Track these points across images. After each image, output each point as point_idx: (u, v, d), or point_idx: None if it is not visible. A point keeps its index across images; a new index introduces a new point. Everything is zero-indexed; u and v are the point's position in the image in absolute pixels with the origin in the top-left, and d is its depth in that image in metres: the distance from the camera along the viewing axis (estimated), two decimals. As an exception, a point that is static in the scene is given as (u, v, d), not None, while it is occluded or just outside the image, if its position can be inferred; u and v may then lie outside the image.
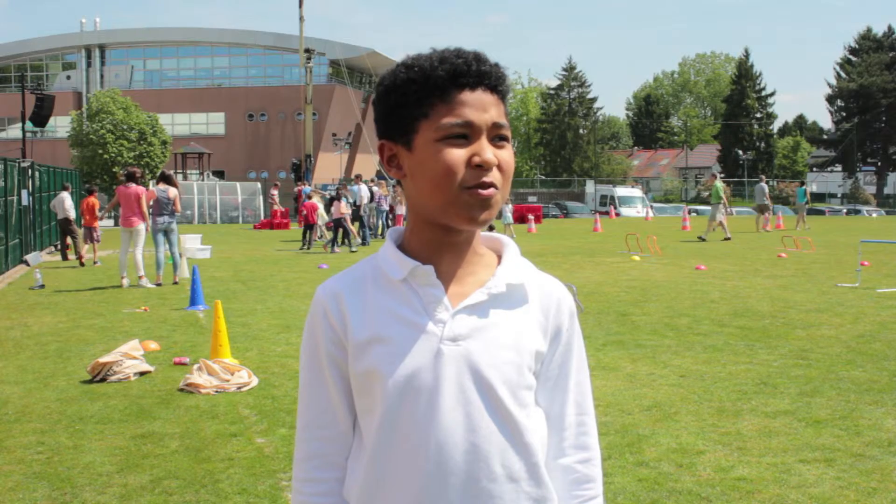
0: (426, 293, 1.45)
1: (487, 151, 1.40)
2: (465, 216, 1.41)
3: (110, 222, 32.12)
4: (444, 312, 1.44)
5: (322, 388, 1.50)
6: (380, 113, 1.49)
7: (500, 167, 1.43)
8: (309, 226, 23.51)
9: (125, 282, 14.00)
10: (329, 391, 1.50)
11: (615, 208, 48.99)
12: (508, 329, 1.46)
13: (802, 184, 35.43)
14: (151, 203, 14.32)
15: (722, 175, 46.04)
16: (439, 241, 1.47)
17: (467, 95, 1.42)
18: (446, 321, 1.44)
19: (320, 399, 1.51)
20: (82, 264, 18.07)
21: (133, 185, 14.26)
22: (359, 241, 23.94)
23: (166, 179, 14.74)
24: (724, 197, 24.71)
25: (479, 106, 1.42)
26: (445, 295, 1.45)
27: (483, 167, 1.40)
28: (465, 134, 1.41)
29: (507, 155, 1.44)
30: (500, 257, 1.53)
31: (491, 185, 1.40)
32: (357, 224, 24.48)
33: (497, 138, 1.43)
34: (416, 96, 1.43)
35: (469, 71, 1.42)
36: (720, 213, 24.57)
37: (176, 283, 14.24)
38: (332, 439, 1.51)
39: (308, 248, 22.92)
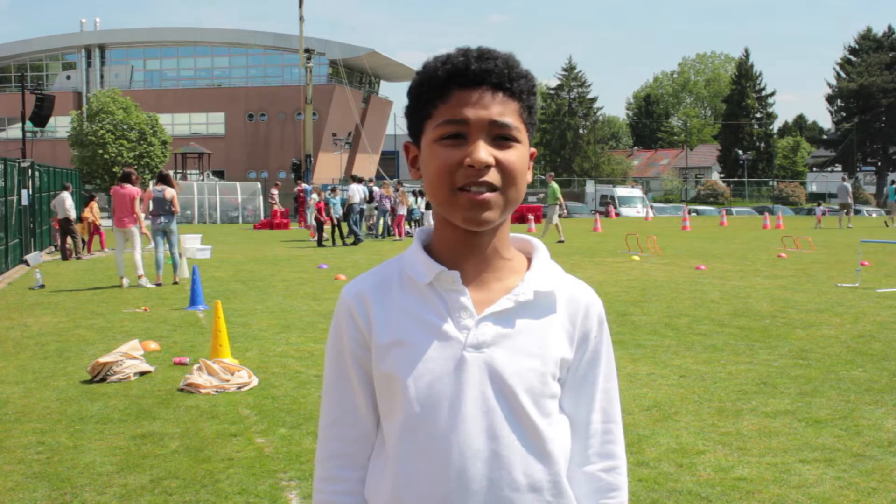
0: (451, 298, 1.44)
1: (480, 151, 1.37)
2: (460, 217, 1.40)
3: (108, 222, 32.08)
4: (468, 319, 1.42)
5: (346, 389, 1.49)
6: (405, 115, 1.50)
7: (501, 168, 1.39)
8: (321, 224, 23.96)
9: (125, 281, 14.00)
10: (353, 392, 1.49)
11: (615, 208, 48.96)
12: (534, 337, 1.44)
13: (893, 182, 39.29)
14: (151, 204, 14.29)
15: (722, 175, 46.15)
16: (462, 243, 1.45)
17: (465, 94, 1.39)
18: (470, 328, 1.42)
19: (344, 399, 1.50)
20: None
21: (128, 186, 14.24)
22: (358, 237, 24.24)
23: (164, 179, 14.69)
24: (560, 198, 24.33)
25: (479, 104, 1.39)
26: (471, 301, 1.44)
27: (474, 167, 1.37)
28: (463, 133, 1.39)
29: (511, 155, 1.40)
30: (529, 261, 1.51)
31: (485, 185, 1.38)
32: (345, 224, 24.68)
33: (501, 138, 1.40)
34: (423, 98, 1.43)
35: (467, 69, 1.39)
36: (556, 215, 24.26)
37: (176, 283, 14.24)
38: (355, 439, 1.50)
39: (332, 244, 23.82)
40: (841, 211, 31.56)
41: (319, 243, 24.01)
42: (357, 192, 24.96)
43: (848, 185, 31.63)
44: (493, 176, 1.38)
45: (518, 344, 1.43)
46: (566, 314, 1.48)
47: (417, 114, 1.45)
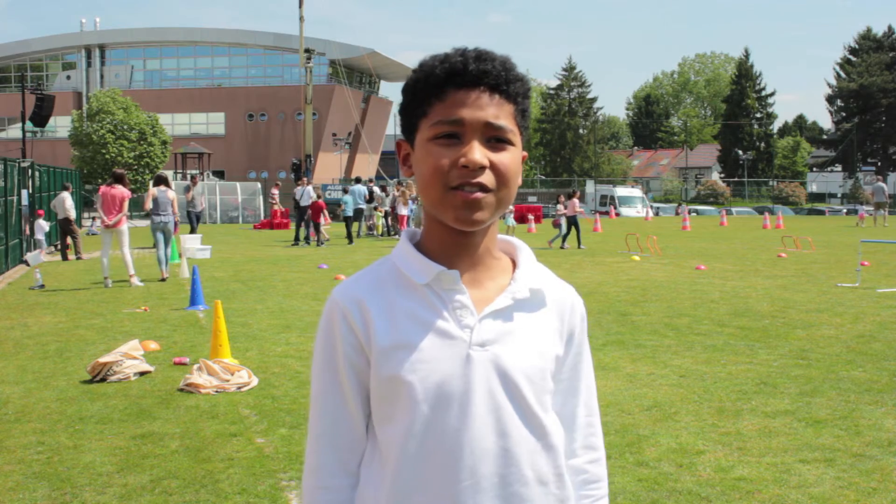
0: (451, 298, 1.43)
1: (475, 152, 1.37)
2: (452, 216, 1.40)
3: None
4: (469, 317, 1.42)
5: (338, 396, 1.47)
6: (399, 112, 1.51)
7: (495, 170, 1.39)
8: (316, 225, 23.85)
9: (109, 282, 14.03)
10: (346, 398, 1.47)
11: (615, 208, 48.95)
12: (532, 333, 1.46)
13: None
14: (153, 203, 14.81)
15: (722, 175, 46.12)
16: (454, 242, 1.45)
17: (462, 94, 1.40)
18: (473, 326, 1.42)
19: (336, 406, 1.48)
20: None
21: (118, 187, 14.30)
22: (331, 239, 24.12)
23: (164, 181, 15.24)
24: None
25: (475, 105, 1.39)
26: (470, 300, 1.44)
27: (468, 168, 1.37)
28: (458, 133, 1.39)
29: (505, 158, 1.40)
30: (514, 261, 1.52)
31: (477, 186, 1.38)
32: (303, 224, 24.61)
33: (495, 140, 1.40)
34: (420, 96, 1.43)
35: (465, 70, 1.40)
36: None
37: (163, 279, 14.52)
38: (348, 447, 1.48)
39: (319, 244, 23.62)
40: (877, 210, 32.16)
41: (318, 242, 24.00)
42: (306, 193, 24.76)
43: (884, 185, 32.67)
44: (486, 178, 1.39)
45: (519, 340, 1.44)
46: (555, 312, 1.51)
47: (413, 111, 1.45)
